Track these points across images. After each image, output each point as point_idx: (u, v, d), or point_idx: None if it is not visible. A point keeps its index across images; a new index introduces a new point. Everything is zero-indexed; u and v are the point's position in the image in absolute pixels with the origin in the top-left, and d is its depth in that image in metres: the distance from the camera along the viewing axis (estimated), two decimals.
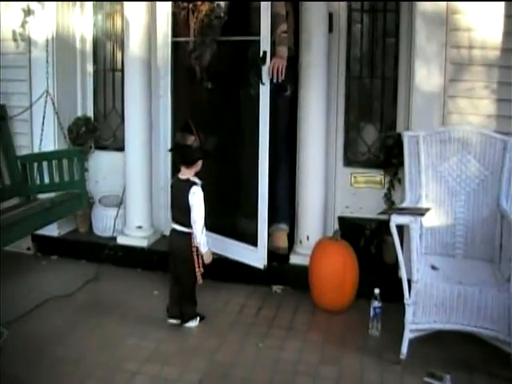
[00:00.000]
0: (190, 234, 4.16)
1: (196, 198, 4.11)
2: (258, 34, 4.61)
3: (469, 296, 3.69)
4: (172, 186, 4.36)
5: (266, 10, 4.55)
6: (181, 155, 4.23)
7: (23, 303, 4.55)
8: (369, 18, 5.04)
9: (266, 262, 4.75)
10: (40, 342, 4.01)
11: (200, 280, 4.18)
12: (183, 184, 4.18)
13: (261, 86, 4.67)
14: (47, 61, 5.47)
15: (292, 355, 3.90)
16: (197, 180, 4.17)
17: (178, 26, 5.31)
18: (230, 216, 5.22)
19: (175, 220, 4.25)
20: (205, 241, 4.16)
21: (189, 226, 4.15)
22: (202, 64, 5.10)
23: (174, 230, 4.26)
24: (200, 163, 4.20)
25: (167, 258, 4.38)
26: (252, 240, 4.83)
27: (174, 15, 5.36)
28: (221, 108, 5.33)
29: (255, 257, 4.81)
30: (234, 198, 5.26)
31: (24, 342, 4.04)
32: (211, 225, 4.53)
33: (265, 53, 4.63)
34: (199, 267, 4.16)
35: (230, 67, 5.21)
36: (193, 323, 4.29)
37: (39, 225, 4.83)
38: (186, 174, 4.19)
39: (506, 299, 3.64)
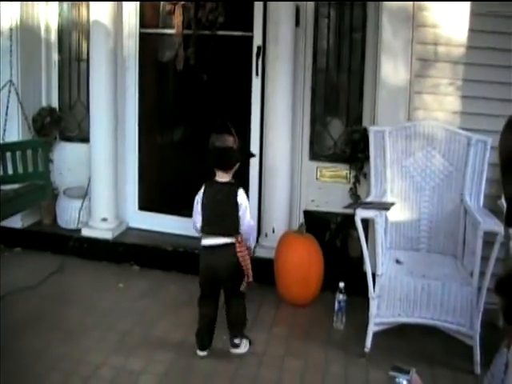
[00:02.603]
0: (234, 244, 3.74)
1: (245, 198, 3.80)
2: (251, 30, 4.95)
3: (432, 290, 3.75)
4: (207, 194, 3.82)
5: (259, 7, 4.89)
6: (221, 159, 3.78)
7: None
8: (336, 12, 5.04)
9: None
10: (2, 335, 3.95)
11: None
12: (226, 188, 3.79)
13: (254, 77, 4.97)
14: (11, 50, 5.38)
15: (257, 348, 3.92)
16: None
17: (148, 16, 5.41)
18: None
19: (215, 233, 3.76)
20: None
21: (234, 234, 3.74)
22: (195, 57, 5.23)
23: (211, 247, 3.77)
24: (237, 165, 3.86)
25: (201, 280, 3.90)
26: None
27: (142, 6, 5.36)
28: (215, 99, 5.42)
29: None
30: None
31: None
32: None
33: (259, 48, 4.95)
34: (247, 275, 3.83)
35: (223, 61, 5.34)
36: (246, 347, 3.90)
37: (2, 216, 4.76)
38: (225, 177, 3.79)
39: (468, 293, 3.70)
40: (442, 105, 4.52)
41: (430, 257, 4.20)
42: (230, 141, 3.76)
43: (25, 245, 5.44)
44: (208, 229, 3.78)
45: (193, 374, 3.65)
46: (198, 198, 3.82)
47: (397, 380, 1.32)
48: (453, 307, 3.73)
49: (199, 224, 3.80)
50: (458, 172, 4.21)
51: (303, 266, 4.40)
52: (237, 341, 3.82)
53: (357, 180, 4.91)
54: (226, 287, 3.84)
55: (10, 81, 5.39)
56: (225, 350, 3.88)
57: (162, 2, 5.39)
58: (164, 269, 5.06)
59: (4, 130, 5.40)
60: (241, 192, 3.78)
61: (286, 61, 4.80)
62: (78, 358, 3.77)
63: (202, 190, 3.83)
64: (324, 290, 4.47)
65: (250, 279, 3.83)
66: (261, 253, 4.87)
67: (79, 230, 5.35)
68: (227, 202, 3.76)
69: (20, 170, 5.22)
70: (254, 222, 4.01)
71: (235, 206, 3.74)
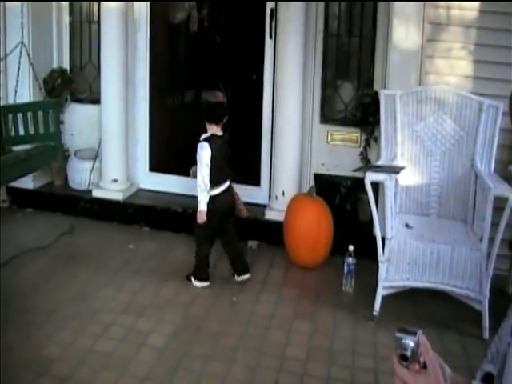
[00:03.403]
0: (231, 185, 4.31)
1: None
2: None
3: (441, 254, 3.75)
4: (215, 148, 4.09)
5: None
6: (215, 113, 4.10)
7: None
8: None
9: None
10: (12, 294, 4.00)
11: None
12: (225, 139, 4.18)
13: (267, 39, 5.02)
14: (22, 11, 5.35)
15: (266, 310, 3.95)
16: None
17: None
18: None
19: (226, 178, 4.23)
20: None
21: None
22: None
23: (223, 192, 4.20)
24: (226, 118, 4.16)
25: (215, 223, 4.21)
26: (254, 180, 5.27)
27: None
28: (227, 61, 5.48)
29: (259, 195, 5.20)
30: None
31: None
32: None
33: (272, 10, 4.96)
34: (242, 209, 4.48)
35: (236, 23, 5.37)
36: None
37: (14, 177, 4.79)
38: (219, 130, 4.14)
39: (477, 258, 3.71)
40: (453, 69, 4.48)
41: (439, 222, 4.19)
42: (220, 96, 4.08)
43: (36, 205, 5.47)
44: (221, 178, 4.17)
45: (201, 333, 3.68)
46: (206, 154, 4.05)
47: (403, 341, 1.32)
48: (462, 272, 3.73)
49: (208, 177, 4.07)
50: (469, 137, 4.18)
51: (313, 228, 4.40)
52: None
53: (367, 144, 4.90)
54: (229, 224, 4.30)
55: (21, 42, 5.37)
56: (232, 310, 3.92)
57: None
58: (174, 230, 5.08)
59: (15, 92, 5.40)
60: None
61: (297, 23, 4.76)
62: (88, 317, 3.82)
63: (207, 146, 4.05)
64: (333, 253, 4.48)
65: (245, 211, 4.48)
66: (271, 215, 4.91)
67: (90, 191, 5.37)
68: (227, 151, 4.19)
69: (31, 131, 5.22)
70: None
71: (229, 154, 4.21)
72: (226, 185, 4.21)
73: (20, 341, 3.54)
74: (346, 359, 3.44)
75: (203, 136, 4.11)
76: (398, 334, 1.36)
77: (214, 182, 4.11)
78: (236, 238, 4.33)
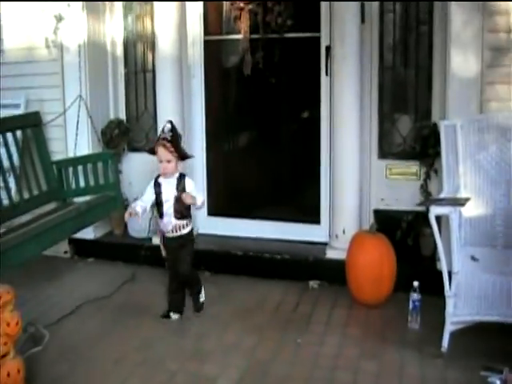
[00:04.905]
0: None
1: None
2: (319, 31, 5.10)
3: (511, 287, 3.60)
4: None
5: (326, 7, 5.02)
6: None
7: (62, 305, 4.59)
8: (401, 5, 4.96)
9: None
10: (80, 343, 4.03)
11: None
12: None
13: (323, 77, 5.10)
14: (79, 66, 5.52)
15: (331, 350, 3.85)
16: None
17: (212, 24, 5.54)
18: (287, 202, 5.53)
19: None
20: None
21: None
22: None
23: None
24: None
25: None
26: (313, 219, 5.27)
27: (205, 14, 5.41)
28: (283, 102, 5.52)
29: (319, 233, 5.20)
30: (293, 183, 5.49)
31: (64, 343, 4.07)
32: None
33: (328, 47, 5.03)
34: None
35: (291, 63, 5.40)
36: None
37: (76, 228, 4.87)
38: None
39: None
40: None
41: (506, 252, 4.03)
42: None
43: (98, 255, 5.56)
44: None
45: (267, 378, 3.60)
46: (150, 187, 4.32)
47: (489, 380, 1.24)
48: None
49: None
50: None
51: (375, 266, 4.32)
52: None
53: (427, 176, 4.82)
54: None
55: (80, 96, 5.53)
56: (297, 352, 3.84)
57: (226, 9, 5.45)
58: (234, 273, 5.07)
59: (75, 144, 5.54)
60: None
61: (352, 59, 4.74)
62: (154, 365, 3.79)
63: (152, 182, 4.32)
64: (397, 289, 4.38)
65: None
66: (332, 254, 4.85)
67: (150, 239, 5.41)
68: None
69: (91, 182, 5.34)
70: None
71: None
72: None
73: None
74: None
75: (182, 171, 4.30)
76: (484, 373, 1.28)
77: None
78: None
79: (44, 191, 5.42)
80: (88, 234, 5.51)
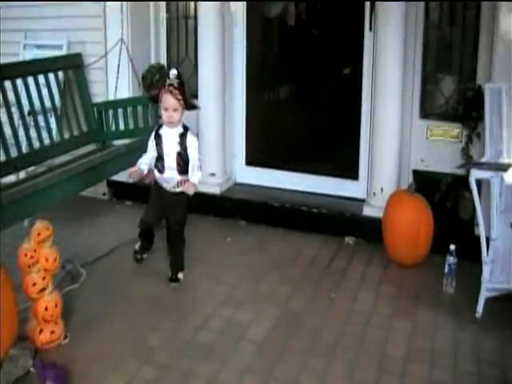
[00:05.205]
0: None
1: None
2: None
3: None
4: None
5: None
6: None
7: (99, 246, 4.70)
8: None
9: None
10: (115, 283, 4.14)
11: None
12: None
13: (367, 32, 5.01)
14: (121, 9, 5.51)
15: (364, 307, 3.90)
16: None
17: None
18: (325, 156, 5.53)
19: None
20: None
21: None
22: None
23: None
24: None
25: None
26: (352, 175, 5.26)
27: None
28: (324, 55, 5.46)
29: (357, 189, 5.21)
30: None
31: (100, 282, 4.20)
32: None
33: (372, 2, 4.90)
34: None
35: (333, 16, 5.35)
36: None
37: (114, 171, 4.93)
38: None
39: None
40: None
41: None
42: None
43: (135, 198, 5.62)
44: None
45: (300, 329, 3.67)
46: (152, 137, 4.09)
47: None
48: None
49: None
50: None
51: (412, 226, 4.30)
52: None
53: (469, 140, 4.75)
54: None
55: (121, 39, 5.52)
56: (331, 306, 3.91)
57: None
58: (270, 224, 5.12)
59: (115, 87, 5.56)
60: None
61: (397, 16, 4.66)
62: (189, 308, 3.90)
63: (154, 131, 4.10)
64: (433, 252, 4.37)
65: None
66: (369, 211, 4.86)
67: None
68: None
69: (131, 125, 5.38)
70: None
71: None
72: None
73: (125, 329, 3.66)
74: (447, 361, 3.34)
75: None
76: None
77: None
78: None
79: (84, 132, 5.48)
80: (126, 177, 5.54)
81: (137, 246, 4.49)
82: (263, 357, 3.39)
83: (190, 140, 3.98)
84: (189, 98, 4.00)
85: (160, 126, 4.03)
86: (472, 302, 3.77)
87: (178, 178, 4.01)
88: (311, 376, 3.23)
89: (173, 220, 4.18)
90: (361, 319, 3.76)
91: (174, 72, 3.89)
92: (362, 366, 3.30)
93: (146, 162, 4.08)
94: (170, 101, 3.86)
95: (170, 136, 3.97)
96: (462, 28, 4.89)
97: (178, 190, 4.06)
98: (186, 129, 4.00)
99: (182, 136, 3.96)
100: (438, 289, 4.11)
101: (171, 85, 3.85)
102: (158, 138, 4.01)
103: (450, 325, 3.71)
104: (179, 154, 3.96)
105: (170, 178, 4.03)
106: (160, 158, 4.01)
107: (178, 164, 3.97)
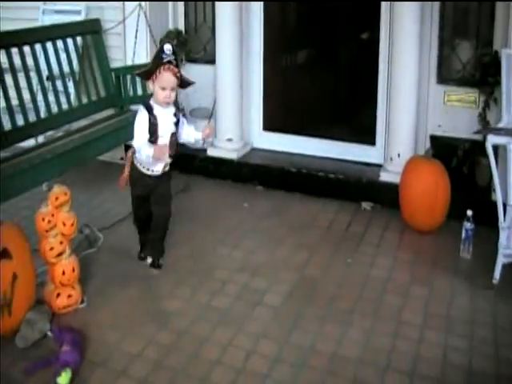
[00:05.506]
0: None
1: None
2: None
3: None
4: None
5: None
6: None
7: (116, 211, 4.75)
8: None
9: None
10: (132, 248, 4.15)
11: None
12: None
13: None
14: None
15: (381, 273, 3.92)
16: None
17: None
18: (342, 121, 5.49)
19: None
20: (146, 149, 3.63)
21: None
22: None
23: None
24: (153, 87, 3.66)
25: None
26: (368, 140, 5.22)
27: None
28: (341, 21, 5.46)
29: (374, 154, 5.17)
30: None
31: (117, 247, 4.25)
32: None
33: None
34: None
35: None
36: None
37: (132, 135, 4.92)
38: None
39: None
40: None
41: None
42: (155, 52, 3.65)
43: None
44: None
45: (316, 295, 3.70)
46: (144, 119, 3.65)
47: None
48: None
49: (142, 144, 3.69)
50: None
51: (429, 192, 4.30)
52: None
53: (486, 105, 4.70)
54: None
55: (139, 4, 5.50)
56: (347, 272, 3.93)
57: None
58: (287, 190, 5.13)
59: (134, 53, 5.55)
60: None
61: None
62: (205, 273, 3.92)
63: (145, 112, 3.65)
64: (450, 217, 4.36)
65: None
66: (385, 177, 4.85)
67: (205, 150, 5.48)
68: None
69: (148, 90, 5.34)
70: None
71: None
72: None
73: (142, 294, 3.72)
74: (464, 328, 3.36)
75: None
76: None
77: None
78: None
79: (102, 97, 5.48)
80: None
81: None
82: (279, 323, 3.43)
83: (182, 118, 3.82)
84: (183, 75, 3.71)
85: (149, 106, 3.65)
86: (489, 268, 3.77)
87: (168, 160, 3.75)
88: (327, 342, 3.26)
89: (160, 212, 3.91)
90: (377, 285, 3.78)
91: (168, 47, 3.52)
92: (378, 333, 3.33)
93: (147, 149, 3.62)
94: (170, 79, 3.56)
95: (164, 117, 3.66)
96: None
97: (161, 172, 3.80)
98: (177, 107, 3.82)
99: (175, 115, 3.72)
100: (454, 255, 4.11)
101: (170, 62, 3.53)
102: (154, 117, 3.63)
103: (466, 291, 3.72)
104: (173, 135, 3.72)
105: (161, 160, 3.72)
106: (153, 142, 3.64)
107: (172, 144, 3.70)
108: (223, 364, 3.11)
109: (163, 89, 3.57)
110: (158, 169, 3.77)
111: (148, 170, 3.77)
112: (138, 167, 3.79)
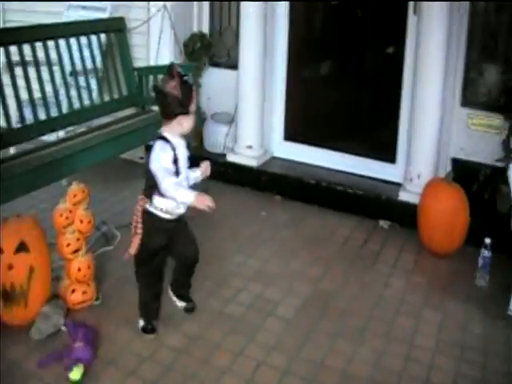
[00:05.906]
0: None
1: (152, 153, 3.13)
2: None
3: None
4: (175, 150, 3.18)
5: None
6: (158, 103, 3.20)
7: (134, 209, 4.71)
8: None
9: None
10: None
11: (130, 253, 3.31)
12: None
13: (410, 15, 4.90)
14: None
15: (395, 293, 3.90)
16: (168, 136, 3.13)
17: None
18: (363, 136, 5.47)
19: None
20: (183, 193, 3.16)
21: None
22: None
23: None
24: (184, 122, 3.13)
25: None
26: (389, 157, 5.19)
27: None
28: (366, 35, 5.44)
29: (394, 172, 5.14)
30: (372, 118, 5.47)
31: None
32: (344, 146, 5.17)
33: None
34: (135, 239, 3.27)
35: None
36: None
37: (152, 135, 4.91)
38: (164, 129, 3.16)
39: None
40: None
41: None
42: (169, 86, 3.02)
43: None
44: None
45: (328, 309, 3.69)
46: (169, 157, 3.10)
47: None
48: None
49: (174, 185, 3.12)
50: None
51: (448, 215, 4.28)
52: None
53: (510, 132, 4.65)
54: None
55: (164, 5, 5.52)
56: (362, 290, 3.92)
57: None
58: (305, 201, 5.13)
59: (157, 53, 5.58)
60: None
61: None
62: (220, 280, 3.94)
63: (168, 148, 3.10)
64: (467, 242, 4.33)
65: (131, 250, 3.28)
66: (405, 196, 4.82)
67: (224, 155, 5.49)
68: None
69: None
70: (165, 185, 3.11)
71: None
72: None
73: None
74: (476, 356, 3.34)
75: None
76: None
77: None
78: None
79: (124, 96, 5.49)
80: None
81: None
82: (291, 335, 3.43)
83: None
84: None
85: (166, 141, 3.12)
86: (504, 297, 3.73)
87: None
88: (338, 359, 3.26)
89: (193, 252, 3.49)
90: (390, 306, 3.77)
91: (178, 69, 3.06)
92: (389, 353, 3.32)
93: (183, 193, 3.15)
94: (195, 103, 3.18)
95: (183, 150, 3.21)
96: (509, 16, 4.77)
97: (181, 213, 3.32)
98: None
99: (188, 148, 3.28)
100: (469, 281, 4.06)
101: (191, 84, 3.15)
102: (173, 149, 3.12)
103: (480, 319, 3.68)
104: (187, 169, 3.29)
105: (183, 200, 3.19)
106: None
107: (188, 182, 3.32)
108: (233, 372, 3.13)
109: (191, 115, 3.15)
110: (175, 212, 3.28)
111: (171, 214, 3.26)
112: (157, 214, 3.23)
